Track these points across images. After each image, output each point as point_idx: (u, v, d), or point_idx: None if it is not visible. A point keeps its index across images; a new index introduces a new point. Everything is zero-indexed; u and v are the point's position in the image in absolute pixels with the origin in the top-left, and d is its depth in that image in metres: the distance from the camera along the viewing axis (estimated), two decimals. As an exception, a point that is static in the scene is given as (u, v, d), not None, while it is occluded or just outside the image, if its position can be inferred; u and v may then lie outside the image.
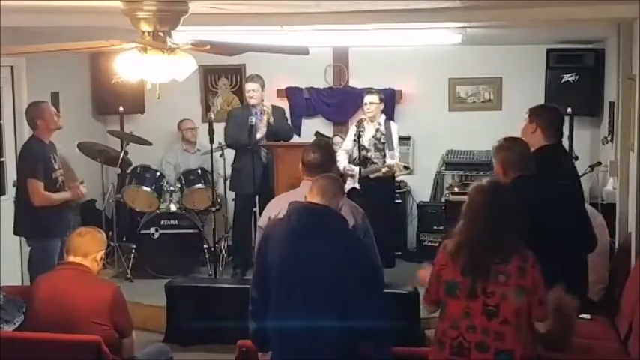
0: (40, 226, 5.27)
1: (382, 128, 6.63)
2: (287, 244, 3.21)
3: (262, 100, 6.69)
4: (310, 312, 3.13)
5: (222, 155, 6.98)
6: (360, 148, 6.46)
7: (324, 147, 4.04)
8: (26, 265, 6.05)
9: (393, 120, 7.37)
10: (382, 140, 6.60)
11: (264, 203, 6.54)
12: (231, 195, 7.10)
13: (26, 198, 5.28)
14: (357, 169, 6.40)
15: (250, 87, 6.64)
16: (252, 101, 6.62)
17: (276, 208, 3.70)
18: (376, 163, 6.56)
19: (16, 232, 5.63)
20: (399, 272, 6.64)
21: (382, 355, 3.23)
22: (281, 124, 6.75)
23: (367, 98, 6.62)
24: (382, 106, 6.68)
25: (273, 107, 6.76)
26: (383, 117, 6.71)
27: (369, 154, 6.57)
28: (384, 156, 6.57)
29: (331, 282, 3.11)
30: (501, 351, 3.07)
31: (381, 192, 6.58)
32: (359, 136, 6.45)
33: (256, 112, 6.63)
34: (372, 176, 6.52)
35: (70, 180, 5.66)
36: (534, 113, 4.24)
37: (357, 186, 6.47)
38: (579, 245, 3.92)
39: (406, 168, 6.53)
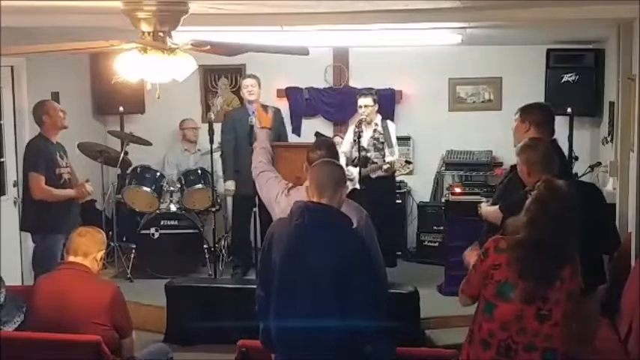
0: (44, 222, 5.31)
1: (380, 128, 6.62)
2: (290, 243, 3.21)
3: (259, 99, 6.71)
4: (313, 311, 3.14)
5: (222, 155, 6.98)
6: (360, 148, 6.45)
7: (329, 145, 4.07)
8: (26, 265, 6.07)
9: (392, 120, 7.37)
10: (381, 140, 6.59)
11: (262, 202, 6.58)
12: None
13: (29, 192, 5.32)
14: (355, 171, 6.38)
15: (249, 82, 6.65)
16: (251, 97, 6.61)
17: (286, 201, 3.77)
18: (376, 163, 6.56)
19: (22, 228, 5.67)
20: (399, 272, 6.64)
21: (385, 355, 3.23)
22: (282, 129, 6.81)
23: (361, 101, 6.59)
24: (377, 107, 6.65)
25: (275, 110, 6.79)
26: (379, 117, 6.69)
27: (368, 155, 6.56)
28: (384, 155, 6.56)
29: (334, 281, 3.11)
30: (547, 350, 3.07)
31: (382, 191, 6.58)
32: (359, 136, 6.44)
33: (254, 112, 6.62)
34: (373, 176, 6.51)
35: (75, 182, 5.68)
36: (525, 112, 4.25)
37: (357, 186, 6.46)
38: (604, 245, 3.89)
39: (408, 162, 6.51)
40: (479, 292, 3.20)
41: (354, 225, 3.48)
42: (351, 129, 6.76)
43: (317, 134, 7.76)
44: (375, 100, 6.62)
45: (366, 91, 6.72)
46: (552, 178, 3.30)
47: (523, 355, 3.07)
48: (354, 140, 6.49)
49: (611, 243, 3.90)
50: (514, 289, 3.08)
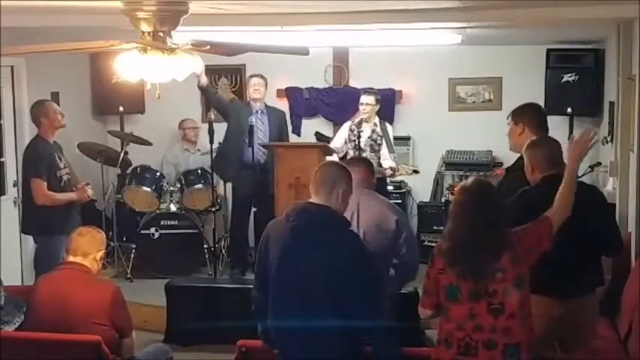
0: (45, 224, 5.31)
1: (378, 129, 6.60)
2: (285, 244, 3.21)
3: (264, 99, 6.71)
4: (310, 312, 3.14)
5: (217, 155, 6.96)
6: (358, 148, 6.44)
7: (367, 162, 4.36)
8: (26, 265, 6.07)
9: (392, 119, 7.38)
10: (378, 141, 6.58)
11: (260, 203, 6.58)
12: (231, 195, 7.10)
13: (30, 197, 5.32)
14: None
15: (256, 81, 6.66)
16: (257, 95, 6.61)
17: None
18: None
19: (23, 231, 5.67)
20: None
21: (388, 355, 3.23)
22: (284, 129, 6.84)
23: (364, 99, 6.57)
24: (377, 108, 6.64)
25: (278, 110, 6.81)
26: (377, 117, 6.68)
27: (364, 154, 6.53)
28: (379, 157, 6.55)
29: (330, 282, 3.11)
30: (509, 345, 3.07)
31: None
32: (358, 136, 6.43)
33: (257, 111, 6.62)
34: None
35: (74, 181, 5.68)
36: (517, 114, 4.24)
37: None
38: (607, 247, 3.86)
39: (415, 172, 6.48)
40: (437, 298, 3.21)
41: (393, 224, 3.72)
42: (346, 125, 6.72)
43: (317, 134, 7.77)
44: (377, 100, 6.61)
45: (370, 91, 6.69)
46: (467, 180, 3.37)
47: (484, 353, 3.07)
48: (353, 140, 6.48)
49: (611, 245, 3.87)
50: (460, 290, 3.11)
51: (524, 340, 3.09)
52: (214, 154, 6.75)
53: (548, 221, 3.24)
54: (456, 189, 3.32)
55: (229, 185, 6.99)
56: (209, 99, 6.77)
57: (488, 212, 3.12)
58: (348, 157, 6.52)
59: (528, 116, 4.19)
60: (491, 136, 7.33)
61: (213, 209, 6.93)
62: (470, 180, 3.31)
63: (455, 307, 3.13)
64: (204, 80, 6.41)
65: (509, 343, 3.06)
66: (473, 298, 3.08)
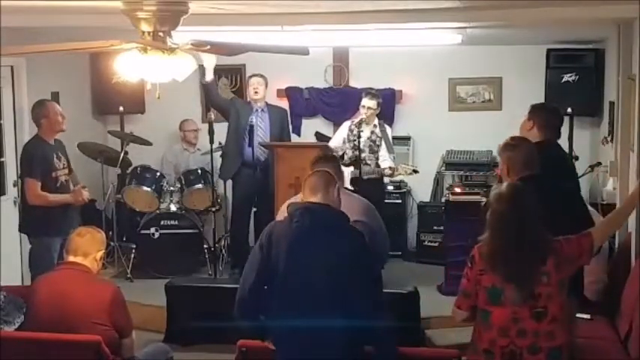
0: (40, 225, 5.30)
1: (377, 130, 6.59)
2: (291, 245, 3.21)
3: (264, 99, 6.71)
4: (316, 311, 3.15)
5: (222, 155, 6.98)
6: (358, 149, 6.43)
7: (335, 159, 4.34)
8: (26, 265, 6.07)
9: (393, 120, 7.37)
10: (377, 142, 6.56)
11: (260, 203, 6.58)
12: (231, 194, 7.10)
13: (24, 197, 5.33)
14: (347, 170, 6.33)
15: (256, 81, 6.64)
16: (256, 96, 6.61)
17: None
18: (369, 165, 6.52)
19: (20, 230, 5.68)
20: (399, 272, 6.64)
21: (387, 355, 3.23)
22: (285, 128, 6.83)
23: (366, 102, 6.51)
24: (378, 111, 6.62)
25: (279, 108, 6.81)
26: (376, 119, 6.67)
27: (362, 155, 6.51)
28: (377, 158, 6.54)
29: (335, 281, 3.12)
30: (552, 349, 3.07)
31: (370, 191, 6.50)
32: (358, 136, 6.43)
33: (257, 110, 6.62)
34: (365, 177, 6.48)
35: (75, 182, 5.68)
36: (532, 110, 4.38)
37: (348, 186, 6.41)
38: None
39: (415, 172, 6.47)
40: (475, 301, 3.19)
41: (363, 218, 3.71)
42: (346, 124, 6.69)
43: (317, 134, 7.77)
44: (379, 104, 6.55)
45: (373, 93, 6.60)
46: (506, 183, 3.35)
47: (529, 358, 3.06)
48: (353, 141, 6.47)
49: None
50: (503, 292, 3.09)
51: (565, 342, 3.10)
52: (218, 154, 6.76)
53: (591, 237, 3.22)
54: (491, 196, 3.28)
55: (229, 185, 6.98)
56: (209, 97, 6.72)
57: (528, 217, 3.11)
58: (346, 156, 6.52)
59: (540, 117, 4.33)
60: (491, 136, 7.32)
61: (213, 209, 6.93)
62: (504, 187, 3.28)
63: (497, 311, 3.11)
64: (211, 77, 6.37)
65: (552, 346, 3.07)
66: (517, 302, 3.07)
